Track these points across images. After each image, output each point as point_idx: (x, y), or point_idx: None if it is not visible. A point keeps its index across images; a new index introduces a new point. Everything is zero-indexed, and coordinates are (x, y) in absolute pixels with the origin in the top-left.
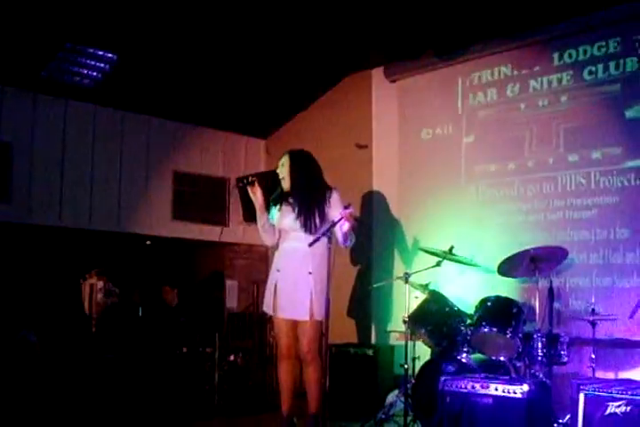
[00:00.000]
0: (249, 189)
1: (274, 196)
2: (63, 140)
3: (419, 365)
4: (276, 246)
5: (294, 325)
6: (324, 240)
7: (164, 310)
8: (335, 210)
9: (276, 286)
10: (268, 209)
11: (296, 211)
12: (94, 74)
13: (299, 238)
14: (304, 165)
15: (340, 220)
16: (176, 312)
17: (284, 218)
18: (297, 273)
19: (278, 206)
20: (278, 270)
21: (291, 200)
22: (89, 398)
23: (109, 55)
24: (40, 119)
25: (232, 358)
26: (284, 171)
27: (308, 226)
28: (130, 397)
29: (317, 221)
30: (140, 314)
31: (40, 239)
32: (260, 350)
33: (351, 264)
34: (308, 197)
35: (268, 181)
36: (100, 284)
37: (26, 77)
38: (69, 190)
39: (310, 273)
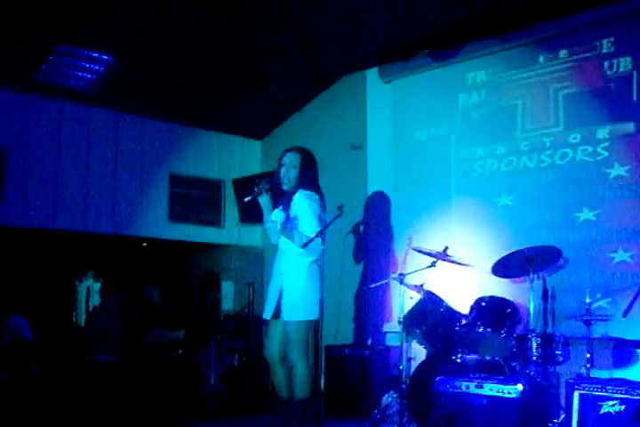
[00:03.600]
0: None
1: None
2: (58, 142)
3: (414, 365)
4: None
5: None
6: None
7: (152, 310)
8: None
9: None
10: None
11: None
12: (89, 76)
13: (284, 240)
14: (314, 168)
15: (334, 219)
16: (162, 312)
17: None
18: (275, 274)
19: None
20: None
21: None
22: (83, 400)
23: (104, 57)
24: (35, 121)
25: (228, 359)
26: (293, 172)
27: None
28: (125, 399)
29: None
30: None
31: (35, 242)
32: (256, 351)
33: (346, 265)
34: None
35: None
36: (96, 286)
37: (20, 80)
38: (64, 193)
39: (282, 273)
